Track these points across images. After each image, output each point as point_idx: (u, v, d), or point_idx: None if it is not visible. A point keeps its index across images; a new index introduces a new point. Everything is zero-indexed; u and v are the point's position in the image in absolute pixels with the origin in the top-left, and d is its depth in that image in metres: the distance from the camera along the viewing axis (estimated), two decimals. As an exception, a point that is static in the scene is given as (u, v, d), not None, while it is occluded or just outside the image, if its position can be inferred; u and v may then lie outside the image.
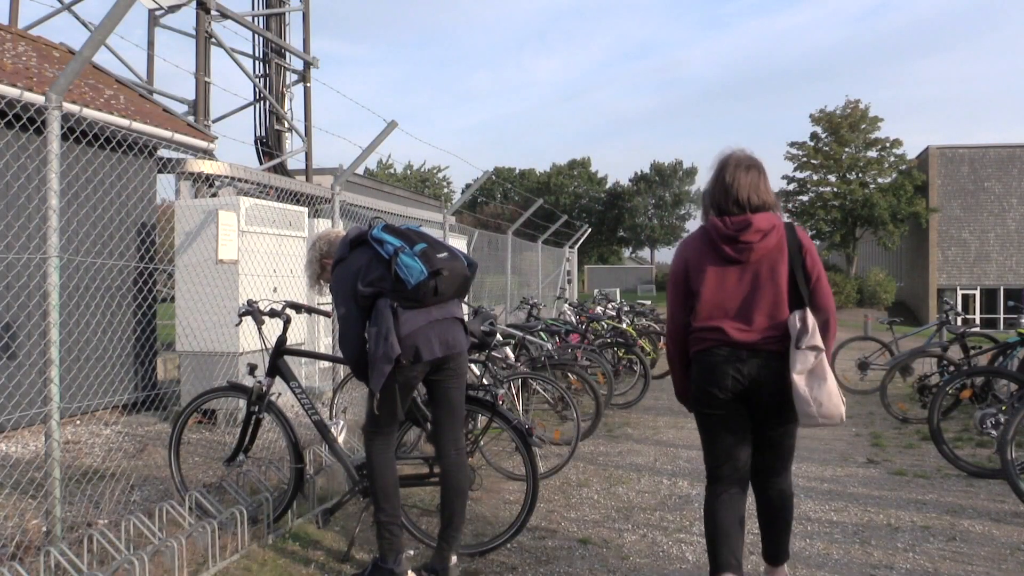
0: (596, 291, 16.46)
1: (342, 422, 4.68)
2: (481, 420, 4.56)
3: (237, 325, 4.37)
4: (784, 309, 2.97)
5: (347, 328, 3.36)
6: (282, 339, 4.21)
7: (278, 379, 4.20)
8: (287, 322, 4.20)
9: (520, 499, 4.74)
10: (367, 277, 3.28)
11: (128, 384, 7.46)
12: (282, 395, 4.36)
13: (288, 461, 4.21)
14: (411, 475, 4.01)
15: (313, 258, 3.80)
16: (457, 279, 3.30)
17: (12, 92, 6.00)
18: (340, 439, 4.44)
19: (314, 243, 3.82)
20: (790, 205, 40.18)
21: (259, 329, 4.25)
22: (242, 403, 4.25)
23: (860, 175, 37.95)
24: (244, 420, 4.21)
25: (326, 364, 7.30)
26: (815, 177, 39.20)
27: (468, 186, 41.61)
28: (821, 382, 2.91)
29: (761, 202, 3.00)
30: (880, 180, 37.71)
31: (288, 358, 4.29)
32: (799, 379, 2.91)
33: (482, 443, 4.78)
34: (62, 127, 3.50)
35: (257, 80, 13.44)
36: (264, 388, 4.13)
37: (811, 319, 2.95)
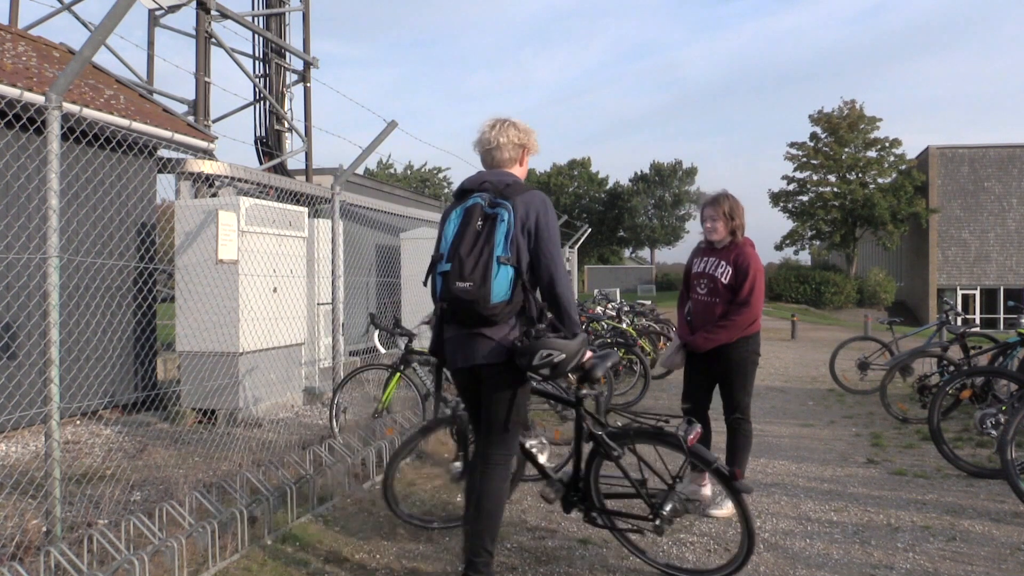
0: (596, 291, 16.42)
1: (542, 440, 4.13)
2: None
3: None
4: None
5: None
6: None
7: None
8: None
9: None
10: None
11: (128, 384, 7.46)
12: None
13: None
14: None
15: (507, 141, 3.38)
16: (466, 312, 3.06)
17: (12, 92, 6.00)
18: (543, 458, 3.97)
19: (509, 125, 3.39)
20: (790, 205, 40.24)
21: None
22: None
23: (860, 175, 37.92)
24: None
25: (326, 364, 7.30)
26: (815, 177, 39.18)
27: (468, 186, 41.34)
28: None
29: None
30: (880, 180, 37.68)
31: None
32: None
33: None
34: (62, 127, 3.50)
35: (257, 80, 13.44)
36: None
37: None
